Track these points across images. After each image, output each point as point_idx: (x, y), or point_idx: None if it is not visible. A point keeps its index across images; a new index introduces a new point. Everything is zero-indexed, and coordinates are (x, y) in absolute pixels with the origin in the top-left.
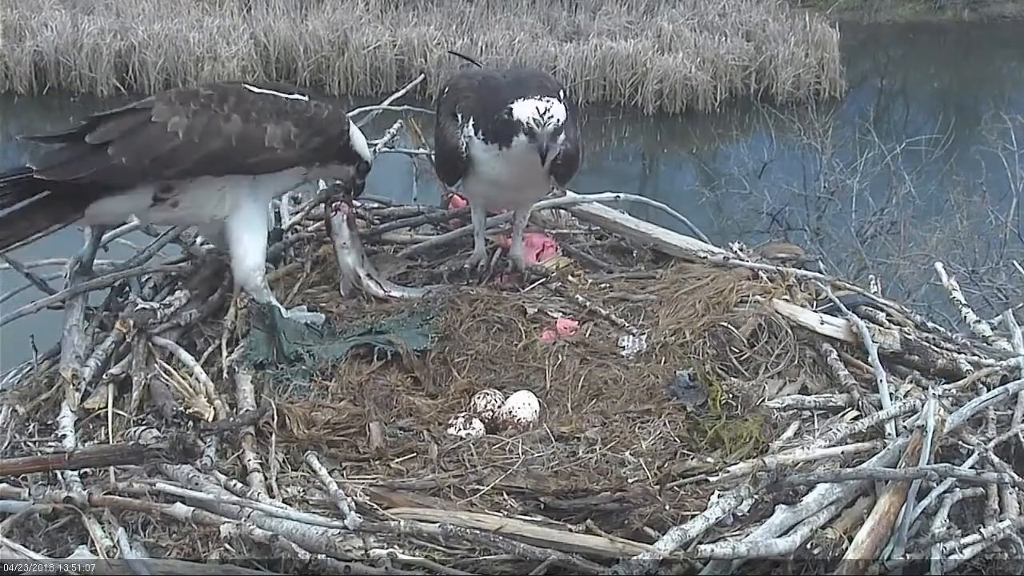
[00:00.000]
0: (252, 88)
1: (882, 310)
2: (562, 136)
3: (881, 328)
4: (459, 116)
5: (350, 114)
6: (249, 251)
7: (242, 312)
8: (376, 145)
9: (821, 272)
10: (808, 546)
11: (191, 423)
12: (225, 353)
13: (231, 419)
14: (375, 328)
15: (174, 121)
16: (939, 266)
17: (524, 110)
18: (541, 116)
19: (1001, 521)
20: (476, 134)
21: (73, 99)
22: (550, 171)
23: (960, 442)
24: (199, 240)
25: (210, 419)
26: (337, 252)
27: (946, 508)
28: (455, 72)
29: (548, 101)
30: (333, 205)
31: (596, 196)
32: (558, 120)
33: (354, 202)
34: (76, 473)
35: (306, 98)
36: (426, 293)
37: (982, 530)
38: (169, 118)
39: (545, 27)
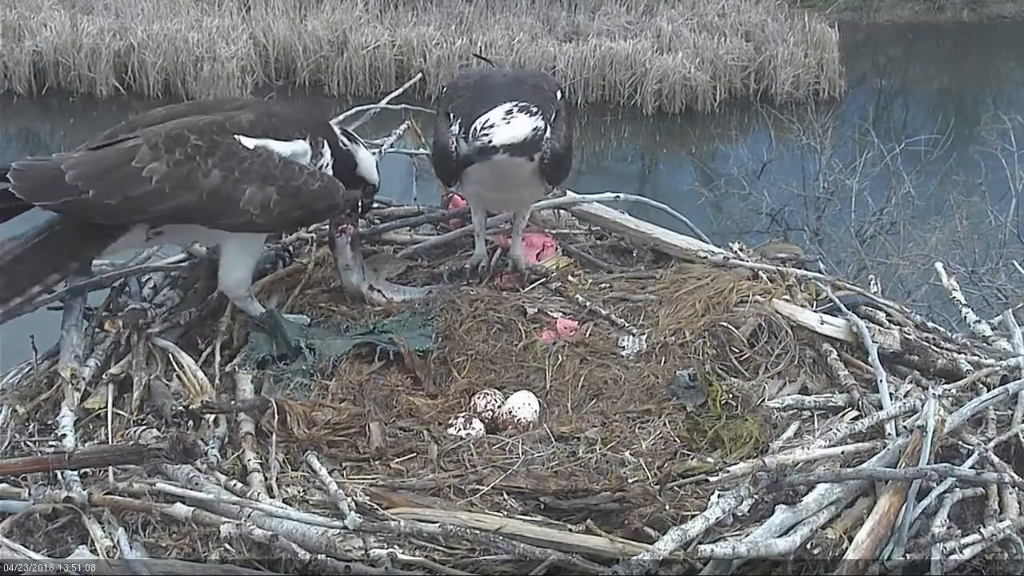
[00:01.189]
0: (246, 143)
1: (882, 310)
2: (500, 155)
3: (881, 328)
4: (451, 116)
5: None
6: (235, 266)
7: (240, 315)
8: (382, 147)
9: (821, 272)
10: (808, 546)
11: (191, 423)
12: (219, 355)
13: (232, 403)
14: (377, 328)
15: (151, 167)
16: (939, 266)
17: (480, 119)
18: (480, 130)
19: (1001, 521)
20: (460, 134)
21: (72, 99)
22: (540, 172)
23: (960, 442)
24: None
25: (209, 401)
26: (340, 272)
27: (946, 508)
28: (456, 71)
29: (509, 117)
30: (339, 228)
31: (596, 196)
32: (488, 141)
33: (360, 220)
34: (76, 473)
35: (306, 157)
36: (427, 293)
37: (982, 530)
38: (148, 163)
39: (544, 27)
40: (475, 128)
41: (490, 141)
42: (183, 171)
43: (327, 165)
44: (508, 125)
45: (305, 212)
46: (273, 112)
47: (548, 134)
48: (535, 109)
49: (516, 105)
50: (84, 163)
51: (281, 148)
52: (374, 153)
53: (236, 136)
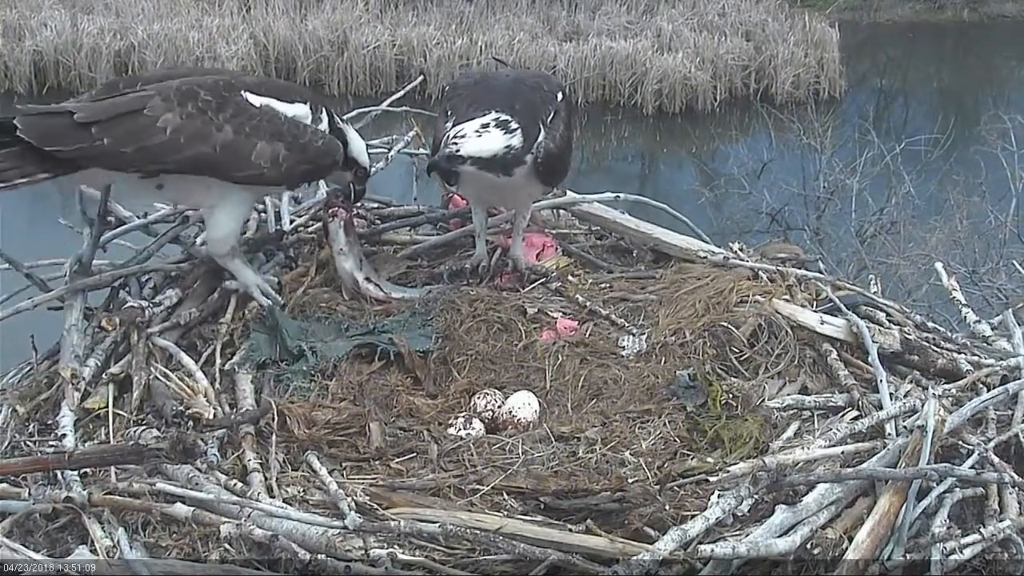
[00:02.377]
0: (253, 101)
1: (882, 310)
2: (467, 166)
3: (881, 328)
4: (448, 114)
5: (349, 115)
6: (222, 224)
7: (240, 316)
8: (389, 152)
9: (821, 272)
10: (808, 546)
11: (191, 423)
12: (220, 356)
13: (232, 416)
14: (377, 328)
15: (166, 118)
16: (939, 266)
17: (455, 128)
18: (451, 137)
19: (1001, 521)
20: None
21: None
22: (534, 173)
23: (960, 442)
24: (199, 240)
25: (210, 417)
26: (335, 258)
27: (946, 508)
28: (457, 71)
29: (481, 131)
30: (330, 211)
31: (596, 196)
32: (456, 150)
33: (355, 206)
34: (76, 473)
35: (307, 119)
36: (426, 293)
37: (982, 530)
38: (162, 114)
39: (545, 27)
40: (448, 136)
41: (457, 151)
42: (197, 124)
43: (326, 131)
44: (479, 139)
45: (311, 167)
46: (273, 80)
47: (542, 135)
48: (515, 126)
49: (496, 119)
50: (97, 111)
51: (284, 108)
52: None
53: (243, 93)
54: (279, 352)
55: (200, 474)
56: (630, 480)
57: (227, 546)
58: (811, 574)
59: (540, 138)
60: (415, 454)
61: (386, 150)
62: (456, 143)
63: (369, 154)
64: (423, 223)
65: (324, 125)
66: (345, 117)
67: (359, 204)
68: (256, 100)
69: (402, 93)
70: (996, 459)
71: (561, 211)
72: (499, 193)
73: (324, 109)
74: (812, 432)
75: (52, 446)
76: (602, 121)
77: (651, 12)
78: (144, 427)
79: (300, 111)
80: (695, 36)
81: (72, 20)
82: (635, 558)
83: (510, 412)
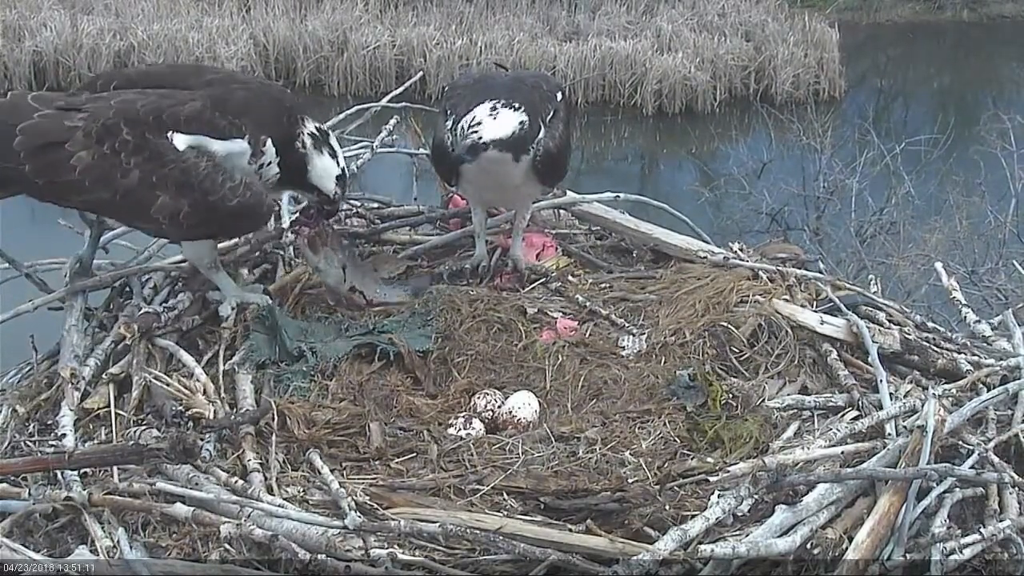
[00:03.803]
0: (177, 143)
1: (882, 310)
2: (491, 151)
3: (881, 328)
4: (447, 113)
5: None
6: (187, 249)
7: (240, 318)
8: (372, 145)
9: (821, 272)
10: (808, 546)
11: (191, 423)
12: (223, 355)
13: (231, 417)
14: (377, 328)
15: (79, 156)
16: (939, 266)
17: (466, 117)
18: (467, 128)
19: (1001, 521)
20: (450, 129)
21: None
22: (533, 171)
23: (960, 442)
24: None
25: (210, 417)
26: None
27: (946, 508)
28: (457, 71)
29: (494, 113)
30: (293, 228)
31: (596, 196)
32: (479, 139)
33: (325, 222)
34: (76, 473)
35: (244, 157)
36: (411, 295)
37: (982, 530)
38: (78, 151)
39: (544, 27)
40: (463, 126)
41: (480, 139)
42: (105, 166)
43: (269, 164)
44: (494, 121)
45: (218, 228)
46: (227, 99)
47: (542, 132)
48: (518, 105)
49: (499, 102)
50: (32, 132)
51: (216, 147)
52: (362, 154)
53: (169, 134)
54: (279, 352)
55: (200, 474)
56: (630, 480)
57: (227, 546)
58: (811, 574)
59: (540, 135)
60: (415, 454)
61: (368, 143)
62: (476, 130)
63: (345, 174)
64: (423, 223)
65: (268, 159)
66: (329, 125)
67: (332, 220)
68: (182, 141)
69: (401, 89)
70: (996, 459)
71: (561, 211)
72: (499, 192)
73: (270, 140)
74: (812, 432)
75: (52, 446)
76: (602, 121)
77: (651, 12)
78: (144, 427)
79: (236, 148)
80: (695, 36)
81: (72, 20)
82: (635, 558)
83: (510, 412)
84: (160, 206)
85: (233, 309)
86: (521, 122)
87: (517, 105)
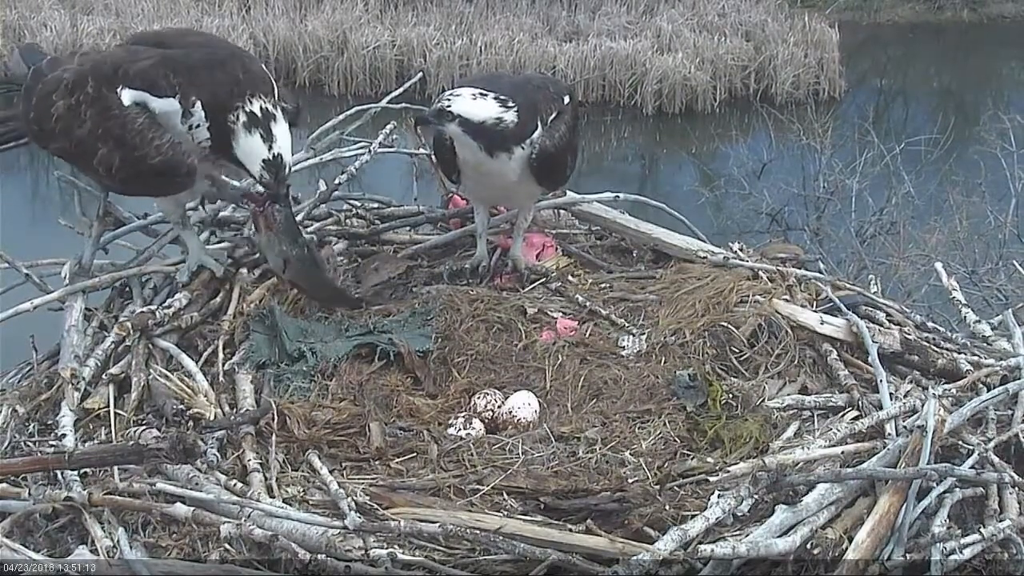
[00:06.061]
0: (124, 98)
1: (882, 310)
2: (453, 125)
3: (881, 328)
4: None
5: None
6: (158, 203)
7: (240, 316)
8: (370, 146)
9: (821, 272)
10: (808, 546)
11: (191, 423)
12: (222, 356)
13: (231, 417)
14: (377, 328)
15: (57, 105)
16: (939, 266)
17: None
18: (444, 95)
19: (1001, 521)
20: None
21: None
22: (529, 170)
23: (960, 442)
24: None
25: (211, 418)
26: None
27: (946, 508)
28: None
29: (476, 97)
30: (243, 200)
31: (596, 196)
32: (447, 106)
33: (269, 205)
34: (76, 473)
35: (176, 116)
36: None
37: (982, 530)
38: (58, 100)
39: (544, 27)
40: (442, 94)
41: (448, 106)
42: (69, 116)
43: (198, 127)
44: (472, 101)
45: (143, 185)
46: (179, 60)
47: (539, 131)
48: (510, 104)
49: (491, 93)
50: (47, 82)
51: (156, 104)
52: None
53: (118, 89)
54: (279, 353)
55: (200, 474)
56: (630, 480)
57: (227, 546)
58: (811, 574)
59: (537, 134)
60: (415, 454)
61: (368, 143)
62: (449, 99)
63: (279, 161)
64: (423, 223)
65: (197, 120)
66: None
67: (275, 207)
68: (128, 96)
69: (401, 90)
70: (996, 459)
71: (561, 211)
72: (498, 191)
73: (200, 102)
74: (812, 432)
75: (52, 446)
76: (602, 121)
77: (651, 12)
78: (144, 427)
79: (169, 107)
80: (695, 36)
81: (72, 20)
82: (635, 558)
83: (510, 412)
84: (100, 157)
85: (191, 272)
86: (499, 118)
87: (508, 103)
